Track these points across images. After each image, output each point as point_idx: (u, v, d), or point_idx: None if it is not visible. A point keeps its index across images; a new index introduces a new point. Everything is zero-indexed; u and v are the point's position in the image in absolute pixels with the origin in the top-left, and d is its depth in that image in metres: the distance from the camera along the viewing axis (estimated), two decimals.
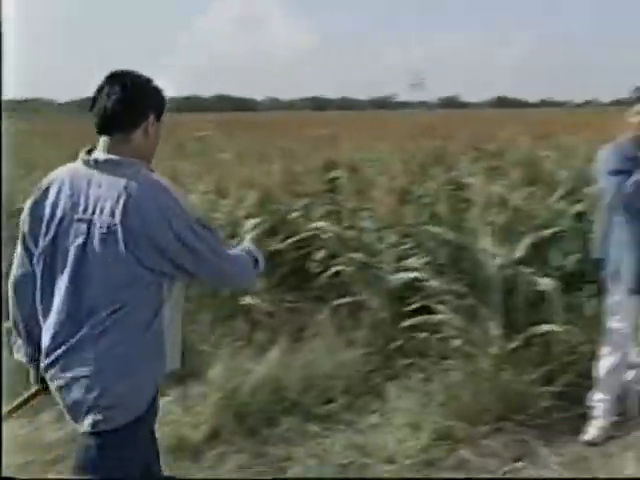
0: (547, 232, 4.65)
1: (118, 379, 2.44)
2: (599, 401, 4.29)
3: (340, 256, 5.59)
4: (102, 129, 2.53)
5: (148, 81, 2.58)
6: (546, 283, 4.37)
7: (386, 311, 5.19)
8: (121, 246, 2.39)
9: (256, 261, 2.81)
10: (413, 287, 5.15)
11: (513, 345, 4.50)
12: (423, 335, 4.95)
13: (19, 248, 2.63)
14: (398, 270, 5.20)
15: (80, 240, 2.44)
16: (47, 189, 2.56)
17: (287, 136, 12.45)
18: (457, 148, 9.50)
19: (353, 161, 7.98)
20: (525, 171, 6.43)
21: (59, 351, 2.48)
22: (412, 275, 5.08)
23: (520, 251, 4.56)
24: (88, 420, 2.46)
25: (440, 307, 4.82)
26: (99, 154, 2.50)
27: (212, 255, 2.53)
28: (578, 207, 5.32)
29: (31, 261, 2.59)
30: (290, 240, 5.82)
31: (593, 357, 4.43)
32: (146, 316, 2.48)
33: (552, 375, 4.57)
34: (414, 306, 5.02)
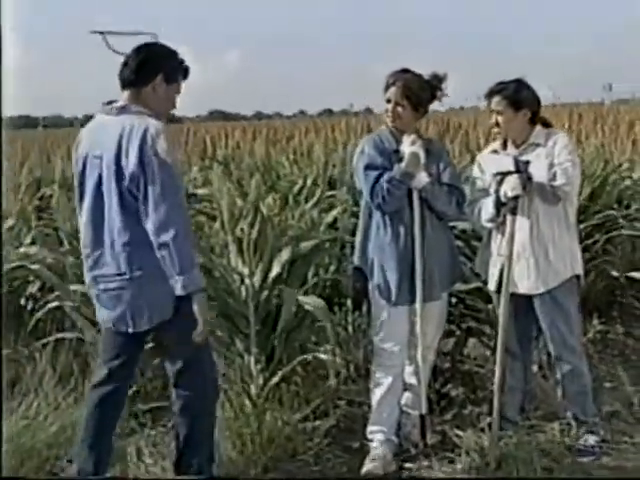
0: (304, 245, 4.04)
1: (142, 291, 3.01)
2: (376, 432, 3.74)
3: (58, 288, 4.60)
4: (122, 86, 3.11)
5: (163, 52, 3.17)
6: (308, 302, 3.75)
7: None
8: (115, 176, 2.95)
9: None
10: None
11: (275, 379, 3.84)
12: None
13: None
14: None
15: (96, 173, 3.01)
16: (82, 136, 3.16)
17: None
18: (184, 158, 8.82)
19: (67, 177, 6.97)
20: (264, 178, 5.89)
21: (91, 265, 3.11)
22: None
23: (276, 269, 3.90)
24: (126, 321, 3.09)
25: None
26: (117, 103, 3.09)
27: (154, 189, 2.90)
28: (333, 213, 4.81)
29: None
30: None
31: (366, 382, 3.94)
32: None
33: (323, 408, 4.03)
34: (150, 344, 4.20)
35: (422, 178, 3.59)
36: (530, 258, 3.66)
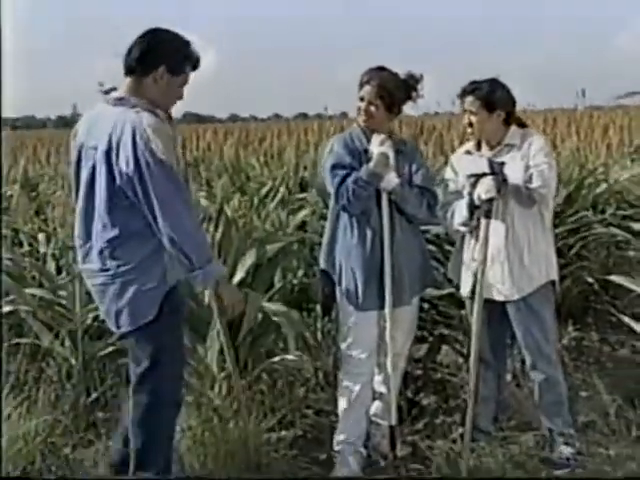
0: (269, 247, 3.88)
1: (126, 289, 2.86)
2: (343, 442, 3.59)
3: (14, 292, 4.40)
4: (125, 72, 2.94)
5: (168, 41, 2.96)
6: (272, 310, 3.58)
7: (77, 357, 4.11)
8: (106, 171, 2.80)
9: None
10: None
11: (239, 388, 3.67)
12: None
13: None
14: (89, 305, 4.12)
15: (90, 164, 2.87)
16: (80, 125, 3.02)
17: None
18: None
19: (28, 177, 6.80)
20: (233, 180, 5.75)
21: (82, 258, 2.99)
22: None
23: (240, 273, 3.72)
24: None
25: None
26: (116, 93, 2.95)
27: (156, 190, 2.75)
28: (301, 215, 4.64)
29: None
30: None
31: (335, 390, 3.80)
32: (140, 235, 2.85)
33: (290, 418, 3.88)
34: (110, 349, 4.03)
35: (391, 179, 3.44)
36: (505, 263, 3.52)
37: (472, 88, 3.57)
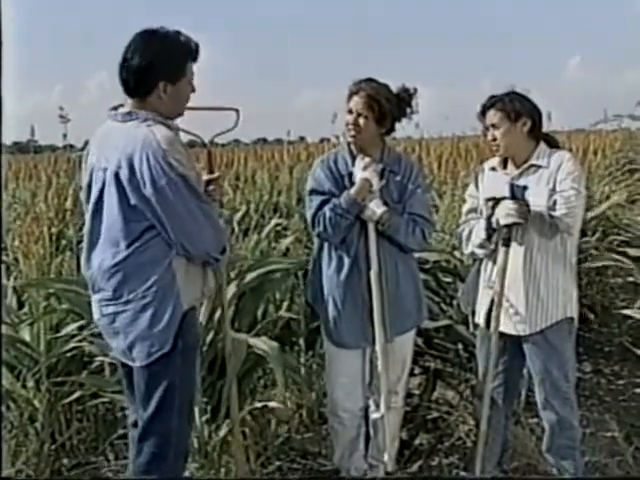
0: (251, 276, 3.57)
1: (139, 316, 2.63)
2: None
3: None
4: (125, 92, 2.69)
5: (163, 50, 2.66)
6: (259, 346, 3.27)
7: (41, 400, 3.76)
8: (116, 189, 2.58)
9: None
10: (78, 363, 3.83)
11: (222, 433, 3.36)
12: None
13: None
14: (54, 343, 3.78)
15: (99, 186, 2.66)
16: (89, 144, 2.80)
17: None
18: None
19: None
20: None
21: (92, 287, 2.75)
22: (72, 349, 3.73)
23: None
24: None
25: (115, 388, 3.54)
26: (122, 109, 2.70)
27: (178, 209, 2.58)
28: (285, 243, 4.34)
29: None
30: None
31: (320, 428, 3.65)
32: (151, 256, 2.62)
33: (275, 462, 3.62)
34: (77, 395, 3.71)
35: (375, 209, 3.14)
36: (519, 294, 3.20)
37: (492, 102, 3.23)
